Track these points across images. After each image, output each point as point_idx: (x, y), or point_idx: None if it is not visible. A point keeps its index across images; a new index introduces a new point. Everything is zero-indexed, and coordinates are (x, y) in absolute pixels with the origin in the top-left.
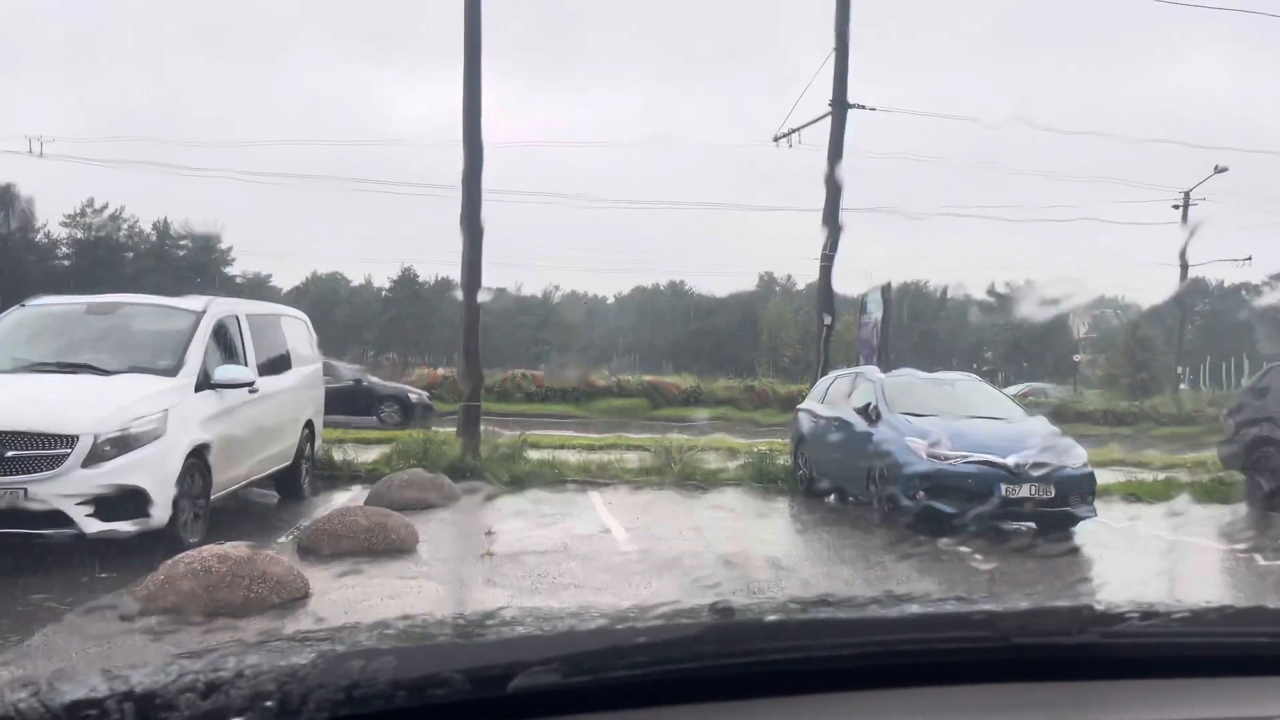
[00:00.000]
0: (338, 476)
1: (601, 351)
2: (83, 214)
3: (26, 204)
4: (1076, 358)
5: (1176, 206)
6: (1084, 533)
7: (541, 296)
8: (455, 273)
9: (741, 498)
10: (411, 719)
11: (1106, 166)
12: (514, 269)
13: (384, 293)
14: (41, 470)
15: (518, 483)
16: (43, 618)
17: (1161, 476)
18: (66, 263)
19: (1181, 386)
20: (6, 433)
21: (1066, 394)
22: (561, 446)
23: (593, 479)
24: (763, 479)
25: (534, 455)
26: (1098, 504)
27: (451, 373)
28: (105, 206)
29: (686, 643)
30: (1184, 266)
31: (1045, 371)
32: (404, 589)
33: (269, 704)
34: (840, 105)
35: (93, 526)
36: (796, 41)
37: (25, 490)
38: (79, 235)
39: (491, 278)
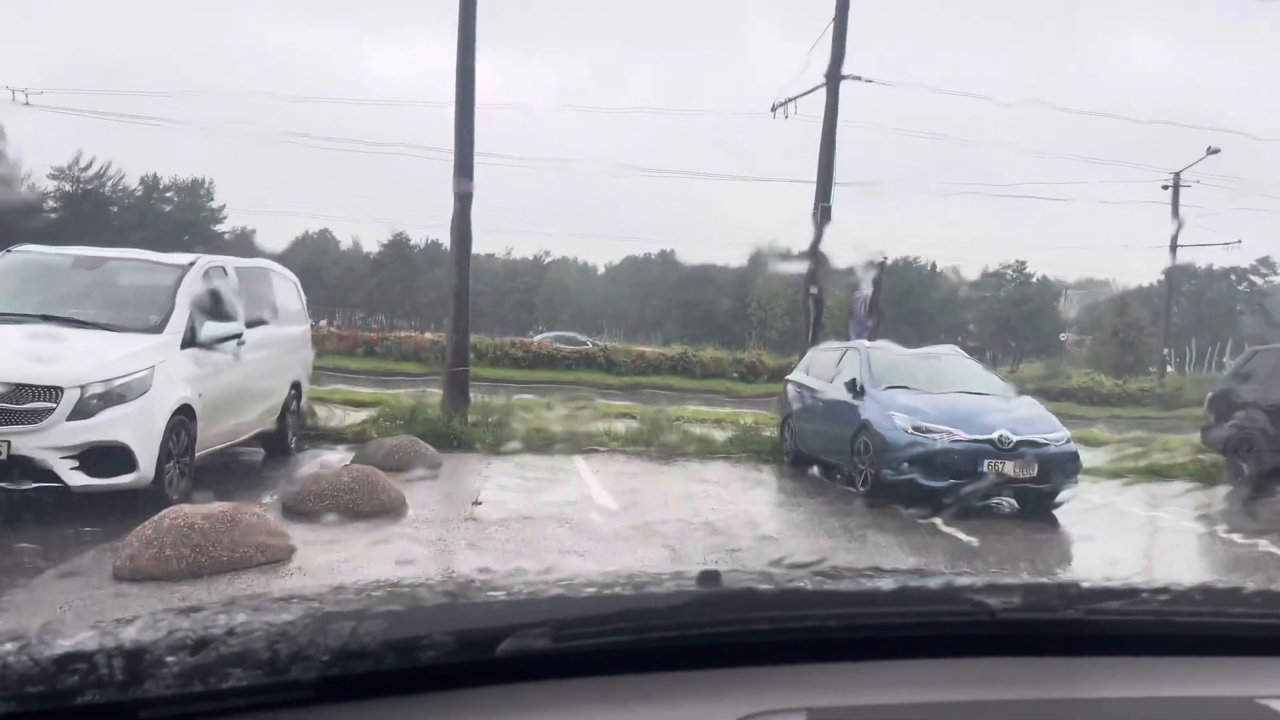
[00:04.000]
0: (324, 437)
1: (591, 320)
2: (71, 167)
3: (14, 160)
4: (1062, 337)
5: (1167, 188)
6: (1067, 510)
7: (533, 259)
8: (445, 236)
9: (727, 468)
10: (400, 680)
11: (1099, 146)
12: (505, 235)
13: (372, 255)
14: (26, 423)
15: (504, 448)
16: (26, 572)
17: (1144, 456)
18: (53, 216)
19: (1168, 368)
20: None
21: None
22: (548, 408)
23: (579, 446)
24: (749, 450)
25: (521, 421)
26: (1081, 482)
27: (440, 337)
28: (93, 161)
29: (673, 610)
30: (1174, 248)
31: (1033, 351)
32: (390, 550)
33: (259, 662)
34: (835, 77)
35: (77, 481)
36: (794, 10)
37: (9, 443)
38: (67, 188)
39: (482, 243)
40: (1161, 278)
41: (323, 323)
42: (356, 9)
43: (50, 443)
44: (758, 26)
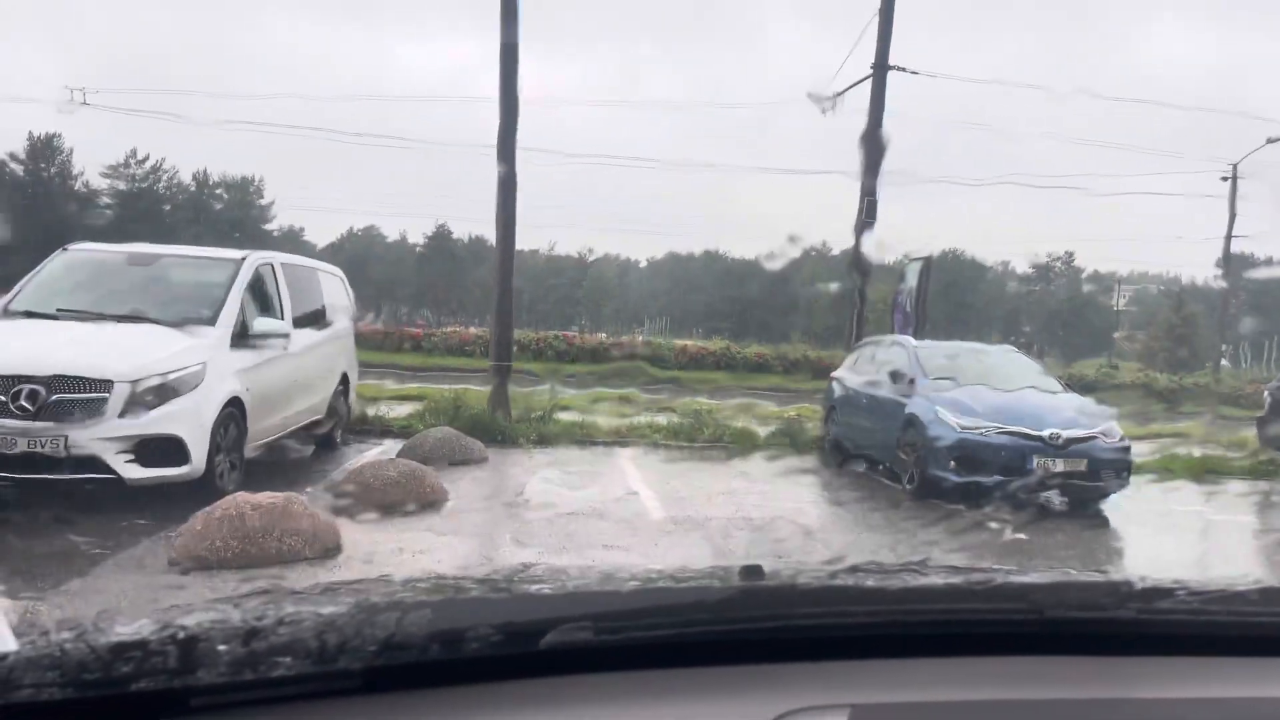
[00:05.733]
0: (370, 431)
1: (634, 314)
2: (125, 165)
3: (66, 155)
4: (1117, 335)
5: (1225, 179)
6: (1118, 508)
7: (576, 256)
8: (489, 232)
9: (771, 464)
10: (445, 671)
11: (1151, 137)
12: (548, 230)
13: (418, 249)
14: (82, 416)
15: (547, 442)
16: (82, 562)
17: (1198, 453)
18: (107, 213)
19: (1223, 363)
20: (50, 378)
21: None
22: (592, 405)
23: (622, 441)
24: (793, 445)
25: (564, 416)
26: (1133, 479)
27: (484, 332)
28: (147, 158)
29: (716, 605)
30: (1229, 241)
31: (1083, 345)
32: (434, 543)
33: (307, 652)
34: (881, 69)
35: (131, 473)
36: (824, 2)
37: (66, 436)
38: (121, 186)
39: (525, 238)
40: (1218, 271)
41: (369, 316)
42: (392, 8)
43: (105, 436)
44: (787, 20)
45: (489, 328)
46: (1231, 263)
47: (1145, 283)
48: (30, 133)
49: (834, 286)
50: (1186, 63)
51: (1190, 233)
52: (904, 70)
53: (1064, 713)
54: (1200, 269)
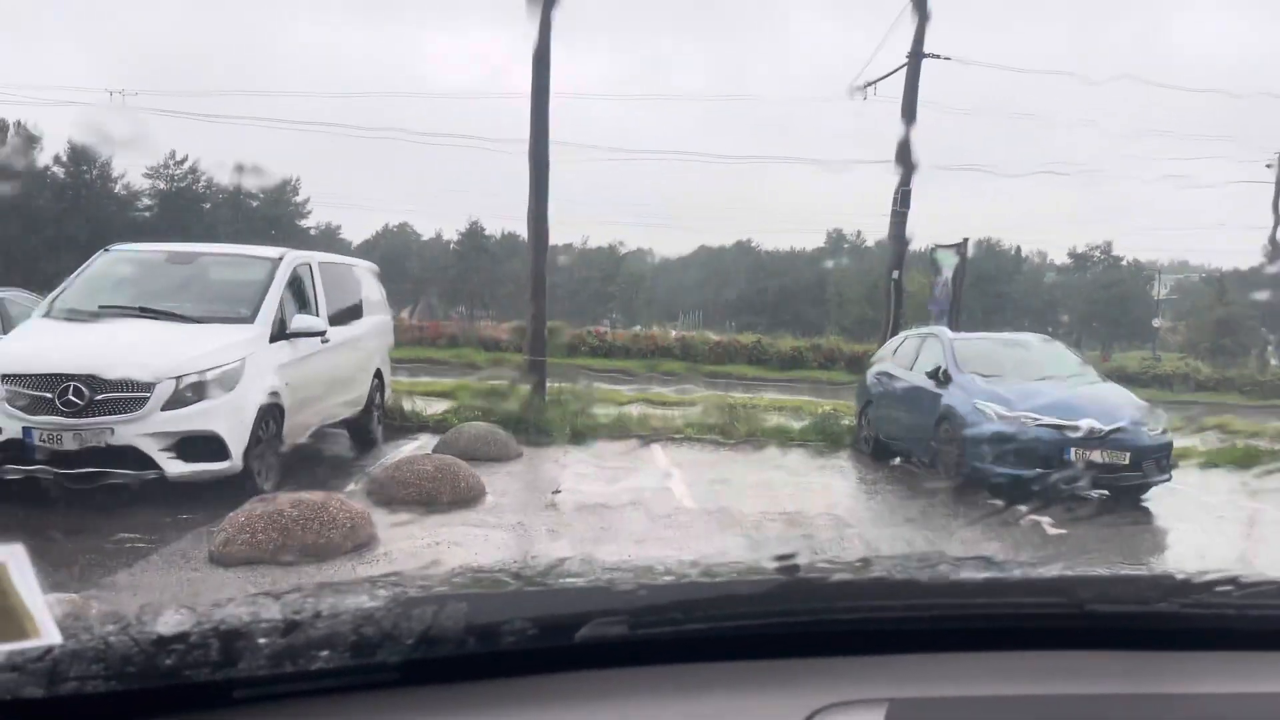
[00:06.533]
0: (407, 426)
1: (666, 309)
2: (165, 165)
3: (106, 157)
4: (1156, 322)
5: (1270, 166)
6: (1159, 500)
7: (608, 248)
8: (522, 228)
9: (805, 457)
10: (481, 664)
11: (1196, 124)
12: (580, 225)
13: (452, 245)
14: (125, 412)
15: (581, 437)
16: (126, 555)
17: (1243, 445)
18: (147, 214)
19: (1269, 350)
20: (94, 376)
21: None
22: (626, 402)
23: (656, 435)
24: (827, 438)
25: (598, 411)
26: (1175, 471)
27: (519, 326)
28: (185, 158)
29: (752, 599)
30: (1276, 229)
31: (1123, 335)
32: (470, 537)
33: (346, 645)
34: (916, 57)
35: (173, 468)
36: None
37: (110, 432)
38: (161, 186)
39: (557, 233)
40: (1263, 259)
41: (403, 314)
42: (423, 5)
43: (147, 431)
44: (816, 11)
45: (523, 322)
46: (1278, 251)
47: (1187, 271)
48: (70, 138)
49: (868, 279)
50: (1230, 48)
51: (1233, 220)
52: (939, 57)
53: (1105, 708)
54: (1244, 258)
